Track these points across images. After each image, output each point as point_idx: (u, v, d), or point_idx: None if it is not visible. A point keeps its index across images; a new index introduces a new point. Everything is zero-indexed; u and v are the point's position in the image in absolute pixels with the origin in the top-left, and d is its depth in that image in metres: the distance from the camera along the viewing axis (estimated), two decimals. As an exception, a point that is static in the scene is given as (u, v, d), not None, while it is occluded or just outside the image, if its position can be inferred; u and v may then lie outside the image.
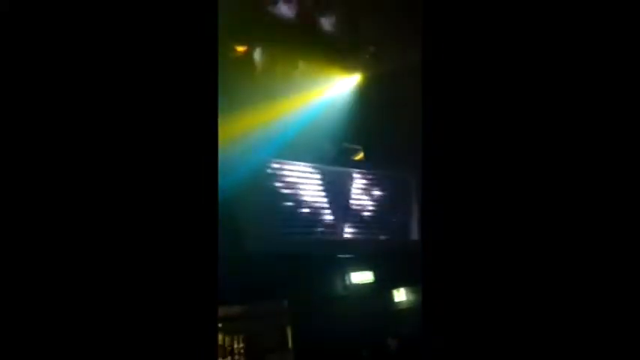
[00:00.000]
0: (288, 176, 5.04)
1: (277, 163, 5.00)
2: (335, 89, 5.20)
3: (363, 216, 5.53)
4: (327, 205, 5.22)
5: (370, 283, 5.36)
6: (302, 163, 5.15)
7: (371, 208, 5.60)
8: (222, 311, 4.89)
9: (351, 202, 5.45)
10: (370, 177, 5.66)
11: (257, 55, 4.97)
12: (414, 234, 5.75)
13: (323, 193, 5.21)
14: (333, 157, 5.39)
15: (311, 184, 5.18)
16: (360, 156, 5.56)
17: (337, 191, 5.33)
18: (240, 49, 4.85)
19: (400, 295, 5.74)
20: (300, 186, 5.10)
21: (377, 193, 5.68)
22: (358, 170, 5.56)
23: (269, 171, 4.92)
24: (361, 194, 5.55)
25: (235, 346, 5.24)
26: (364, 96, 5.16)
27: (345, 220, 5.34)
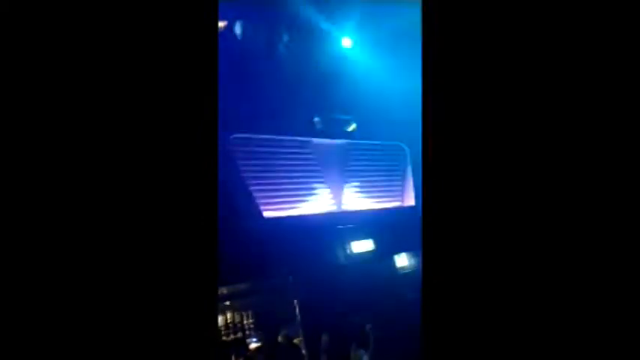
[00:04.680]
0: (283, 152, 5.03)
1: (270, 138, 4.97)
2: (323, 59, 5.12)
3: (360, 186, 5.57)
4: (323, 179, 5.24)
5: (371, 251, 5.46)
6: (296, 137, 5.13)
7: (366, 178, 5.64)
8: (229, 289, 5.00)
9: (347, 173, 5.48)
10: (364, 147, 5.67)
11: (239, 29, 4.85)
12: (410, 200, 5.82)
13: (319, 167, 5.22)
14: (326, 129, 5.37)
15: (306, 158, 5.19)
16: (352, 127, 5.55)
17: (332, 164, 5.34)
18: (220, 24, 4.72)
19: (401, 260, 5.88)
20: (295, 161, 5.10)
21: (371, 162, 5.70)
22: (351, 141, 5.56)
23: (263, 148, 4.90)
24: (356, 165, 5.58)
25: (245, 322, 5.39)
26: (355, 65, 5.10)
27: (342, 192, 5.38)
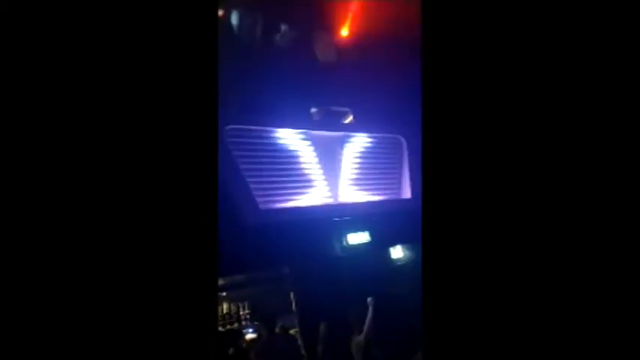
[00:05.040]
0: (278, 144, 5.01)
1: (266, 129, 4.95)
2: (320, 51, 5.08)
3: (356, 178, 5.57)
4: (319, 171, 5.24)
5: (367, 243, 5.49)
6: (291, 130, 5.11)
7: (363, 170, 5.64)
8: (226, 280, 5.01)
9: (343, 165, 5.47)
10: (360, 139, 5.66)
11: (234, 19, 4.80)
12: (406, 193, 5.84)
13: (315, 159, 5.21)
14: (322, 121, 5.35)
15: (302, 150, 5.17)
16: (349, 119, 5.53)
17: (329, 156, 5.33)
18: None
19: (397, 252, 5.91)
20: (291, 153, 5.09)
21: (368, 155, 5.70)
22: (348, 133, 5.55)
23: (258, 139, 4.88)
24: (353, 157, 5.57)
25: (241, 312, 5.41)
26: (351, 56, 5.07)
27: (339, 184, 5.39)
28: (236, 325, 5.26)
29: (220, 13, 4.61)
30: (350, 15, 4.94)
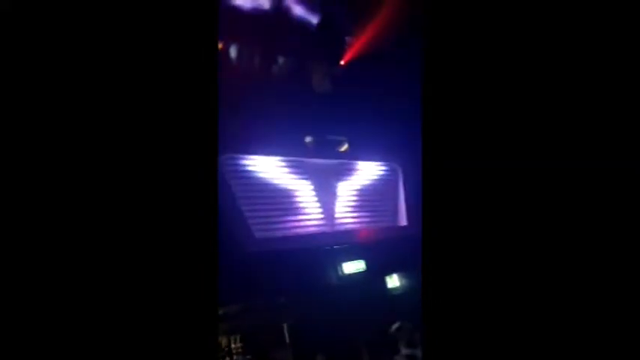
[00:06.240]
0: (274, 172, 5.01)
1: (262, 159, 4.95)
2: (317, 81, 5.15)
3: (352, 206, 5.55)
4: (315, 199, 5.21)
5: (362, 272, 5.41)
6: (288, 158, 5.12)
7: (358, 198, 5.63)
8: (218, 311, 4.85)
9: (339, 193, 5.46)
10: (356, 167, 5.68)
11: (233, 50, 4.88)
12: (403, 220, 5.82)
13: (311, 187, 5.20)
14: (318, 149, 5.38)
15: (298, 178, 5.16)
16: (345, 147, 5.57)
17: (325, 184, 5.33)
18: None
19: (393, 281, 5.83)
20: (288, 181, 5.08)
21: (364, 182, 5.71)
22: (344, 161, 5.57)
23: (255, 168, 4.88)
24: (348, 185, 5.57)
25: (233, 345, 5.21)
26: (347, 86, 5.15)
27: (335, 212, 5.36)
28: (227, 359, 5.06)
29: (219, 45, 4.68)
30: (346, 45, 5.05)
